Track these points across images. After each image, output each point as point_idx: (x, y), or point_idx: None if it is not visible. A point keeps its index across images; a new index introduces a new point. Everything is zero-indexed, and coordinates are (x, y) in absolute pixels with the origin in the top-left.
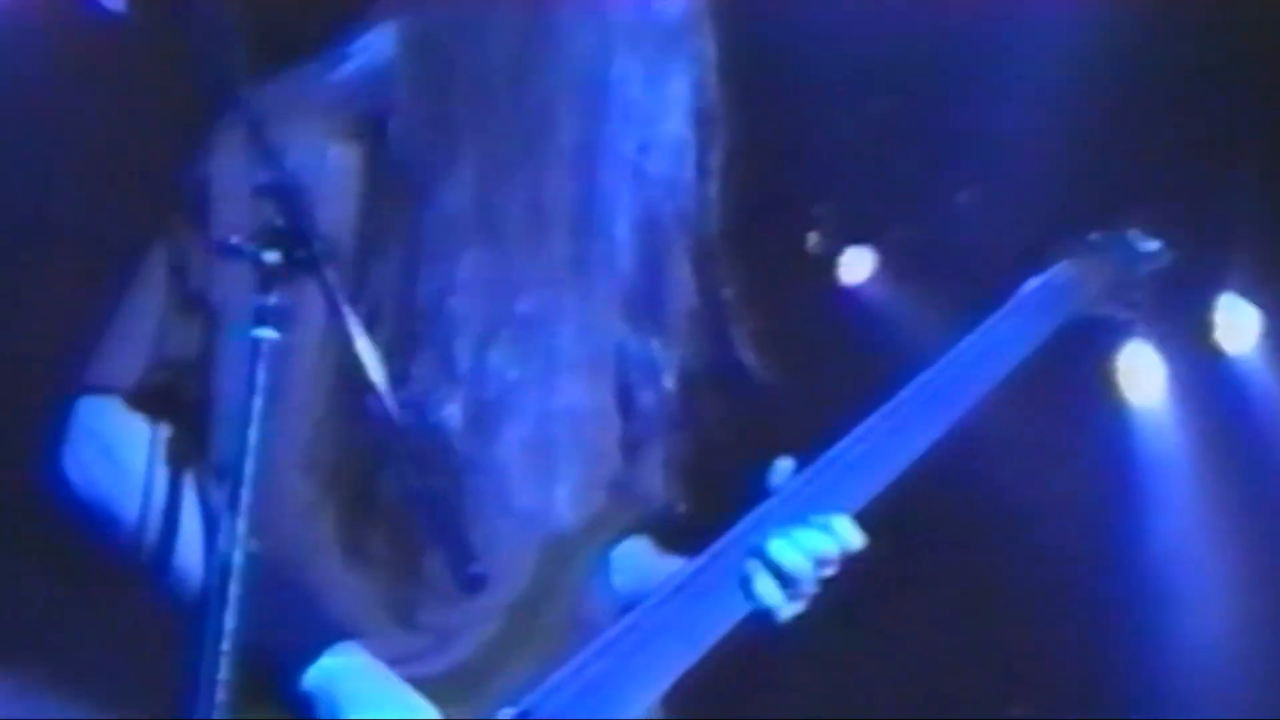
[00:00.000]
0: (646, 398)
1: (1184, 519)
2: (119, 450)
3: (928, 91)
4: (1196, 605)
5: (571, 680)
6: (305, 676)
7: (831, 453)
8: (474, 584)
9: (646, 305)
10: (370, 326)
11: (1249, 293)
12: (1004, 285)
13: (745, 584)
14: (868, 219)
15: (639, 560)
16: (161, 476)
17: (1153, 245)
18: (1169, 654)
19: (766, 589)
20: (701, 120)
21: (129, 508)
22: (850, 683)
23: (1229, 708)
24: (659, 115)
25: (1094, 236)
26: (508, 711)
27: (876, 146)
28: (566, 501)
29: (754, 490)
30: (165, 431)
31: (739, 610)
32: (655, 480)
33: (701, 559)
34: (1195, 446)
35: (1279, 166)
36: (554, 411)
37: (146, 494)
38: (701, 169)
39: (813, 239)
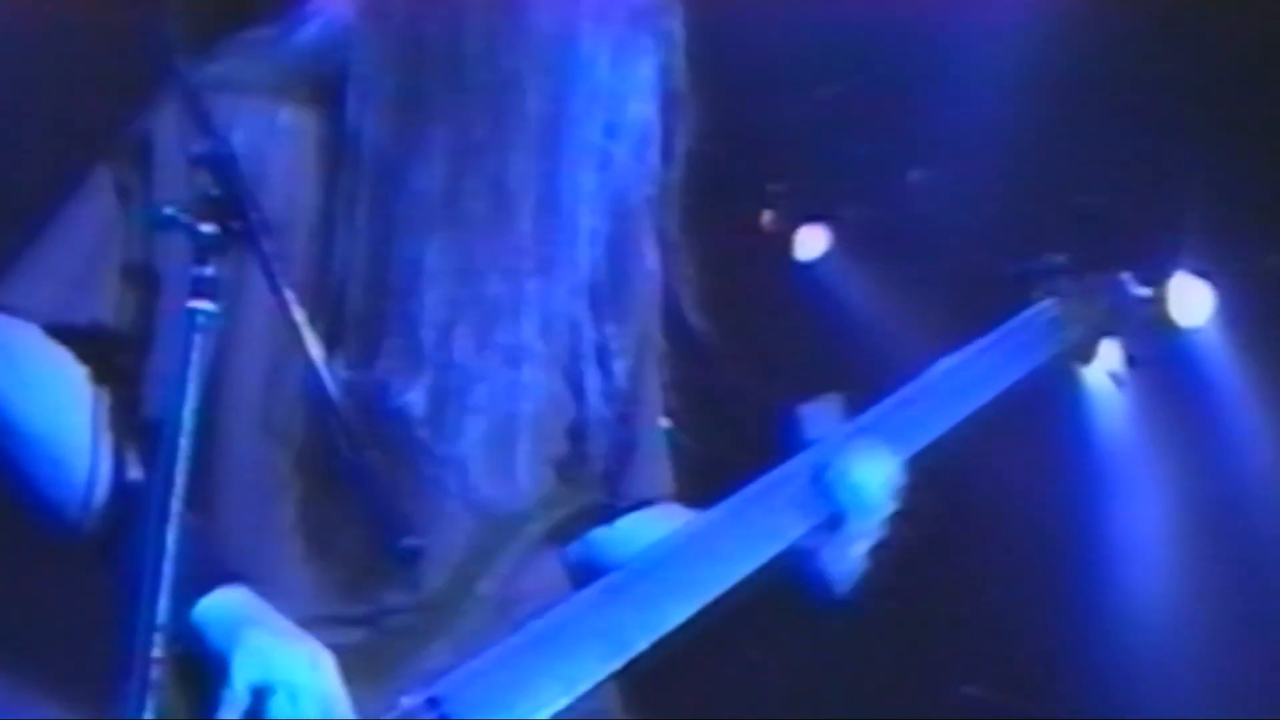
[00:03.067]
0: (596, 384)
1: (1141, 496)
2: (26, 367)
3: (880, 73)
4: (1153, 583)
5: (488, 671)
6: (195, 610)
7: (786, 467)
8: (408, 557)
9: (606, 291)
10: (339, 302)
11: (1200, 270)
12: (955, 264)
13: (833, 520)
14: (822, 198)
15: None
16: (68, 398)
17: (1144, 292)
18: (1123, 633)
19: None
20: (668, 104)
21: (32, 422)
22: (804, 661)
23: (1185, 686)
24: (626, 96)
25: (1085, 278)
26: (415, 695)
27: (830, 127)
28: (527, 490)
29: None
30: (80, 368)
31: (672, 619)
32: (598, 470)
33: (639, 559)
34: (1152, 425)
35: (1226, 144)
36: (517, 403)
37: (52, 411)
38: (665, 154)
39: (768, 217)
